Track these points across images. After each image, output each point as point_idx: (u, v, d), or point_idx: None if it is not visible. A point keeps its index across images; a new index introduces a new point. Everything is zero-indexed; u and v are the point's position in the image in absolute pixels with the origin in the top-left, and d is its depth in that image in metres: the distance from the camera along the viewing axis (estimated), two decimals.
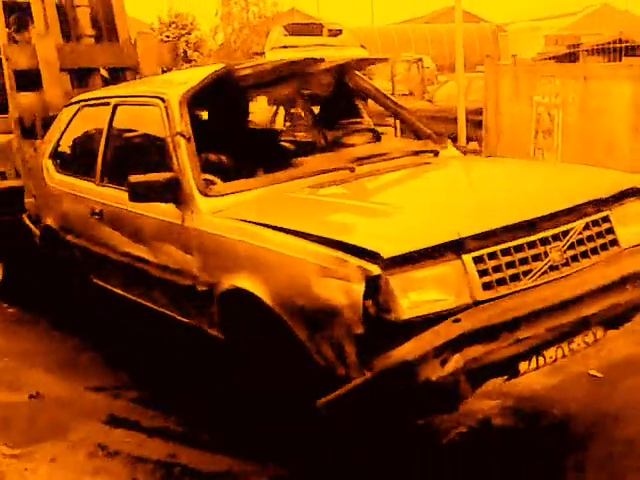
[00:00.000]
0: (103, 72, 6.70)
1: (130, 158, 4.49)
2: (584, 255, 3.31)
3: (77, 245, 4.97)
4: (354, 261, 2.96)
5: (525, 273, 3.15)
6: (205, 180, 3.90)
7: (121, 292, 4.56)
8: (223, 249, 3.58)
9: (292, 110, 6.31)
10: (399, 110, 4.71)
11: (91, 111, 5.06)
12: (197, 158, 3.90)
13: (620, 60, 8.91)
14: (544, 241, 3.21)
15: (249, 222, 3.48)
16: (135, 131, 4.59)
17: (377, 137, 4.58)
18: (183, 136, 3.92)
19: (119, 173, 4.39)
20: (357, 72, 4.70)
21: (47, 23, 6.43)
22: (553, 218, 3.27)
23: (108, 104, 4.77)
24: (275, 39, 15.95)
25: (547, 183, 3.66)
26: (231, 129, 4.94)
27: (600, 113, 7.87)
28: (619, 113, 7.58)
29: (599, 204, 3.43)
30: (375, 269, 2.91)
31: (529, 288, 3.13)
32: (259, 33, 21.76)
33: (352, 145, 4.59)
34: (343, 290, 2.97)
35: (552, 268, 3.21)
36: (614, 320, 3.30)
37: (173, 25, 27.74)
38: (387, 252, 2.93)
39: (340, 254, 3.01)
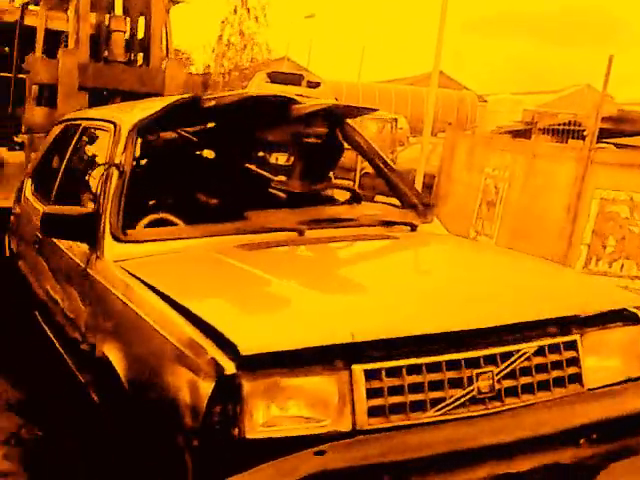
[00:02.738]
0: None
1: (78, 185, 4.02)
2: (527, 389, 2.55)
3: (22, 273, 4.53)
4: (212, 351, 2.32)
5: (435, 402, 2.42)
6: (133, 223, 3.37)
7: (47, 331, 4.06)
8: (106, 305, 3.01)
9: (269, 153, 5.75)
10: (388, 172, 4.02)
11: (70, 131, 4.65)
12: (124, 196, 3.36)
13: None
14: (471, 363, 2.47)
15: (139, 279, 2.89)
16: (90, 156, 4.13)
17: (356, 198, 3.92)
18: (117, 168, 3.40)
19: (68, 199, 3.92)
20: (349, 122, 4.08)
21: (78, 43, 6.17)
22: (492, 334, 2.53)
23: (79, 125, 4.35)
24: (257, 84, 16.07)
25: (511, 285, 2.89)
26: (200, 165, 4.41)
27: (541, 190, 8.00)
28: (557, 192, 7.70)
29: (569, 324, 2.67)
30: (230, 367, 2.26)
31: (436, 423, 2.40)
32: (247, 77, 21.66)
33: (323, 203, 3.96)
34: (190, 385, 2.33)
35: (475, 401, 2.46)
36: None
37: None
38: (246, 347, 2.27)
39: (200, 339, 2.38)
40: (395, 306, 2.58)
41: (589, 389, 2.66)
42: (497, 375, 2.49)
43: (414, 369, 2.41)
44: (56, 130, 4.92)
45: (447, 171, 10.03)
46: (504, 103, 23.53)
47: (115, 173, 3.40)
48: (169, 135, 4.57)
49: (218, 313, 2.52)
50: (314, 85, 16.31)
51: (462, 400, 2.44)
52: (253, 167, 4.98)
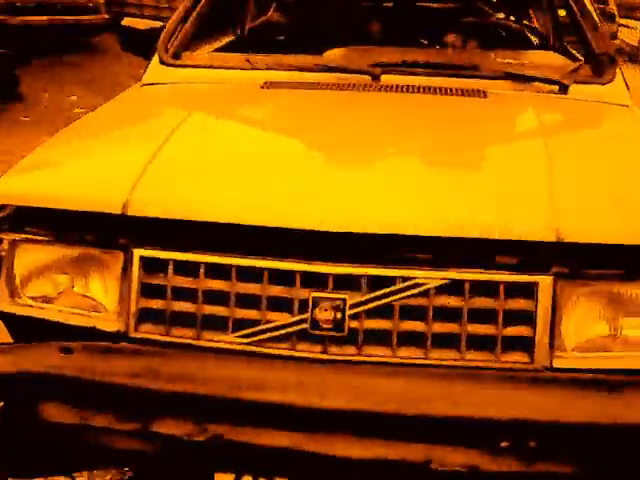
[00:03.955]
0: None
1: None
2: (413, 341, 1.58)
3: None
4: None
5: (242, 324, 1.63)
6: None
7: None
8: None
9: None
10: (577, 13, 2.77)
11: None
12: (199, 14, 2.85)
13: None
14: (312, 280, 1.60)
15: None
16: None
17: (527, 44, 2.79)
18: None
19: None
20: None
21: None
22: (365, 245, 1.59)
23: None
24: None
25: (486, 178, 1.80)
26: None
27: None
28: None
29: (533, 257, 1.58)
30: None
31: (236, 352, 1.62)
32: None
33: (459, 46, 2.92)
34: None
35: (308, 337, 1.60)
36: None
37: None
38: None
39: None
40: (274, 182, 1.74)
41: (547, 368, 1.57)
42: (354, 307, 1.58)
43: (218, 271, 1.64)
44: None
45: None
46: None
47: None
48: None
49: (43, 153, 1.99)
50: None
51: (284, 331, 1.61)
52: None
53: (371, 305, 1.58)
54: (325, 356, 1.60)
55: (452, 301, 1.58)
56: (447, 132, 2.11)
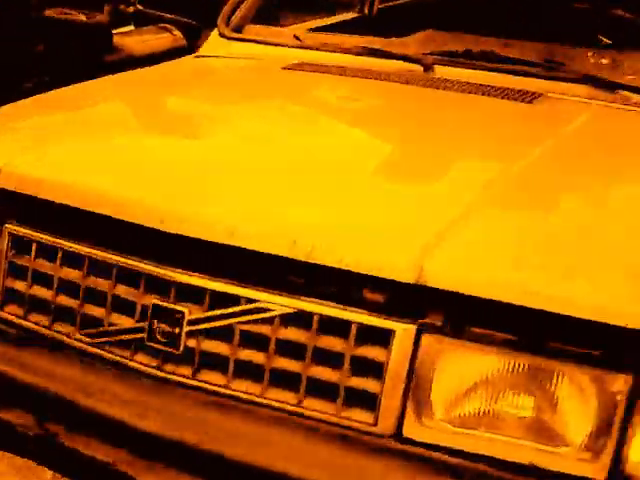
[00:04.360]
0: None
1: None
2: (242, 371, 1.34)
3: None
4: None
5: (90, 322, 1.46)
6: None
7: None
8: None
9: None
10: None
11: None
12: None
13: None
14: (154, 284, 1.40)
15: None
16: None
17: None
18: None
19: None
20: None
21: None
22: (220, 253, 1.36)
23: None
24: None
25: None
26: None
27: None
28: None
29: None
30: None
31: (81, 353, 1.47)
32: None
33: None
34: None
35: (146, 349, 1.41)
36: None
37: None
38: None
39: None
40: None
41: (393, 436, 1.27)
42: (193, 324, 1.37)
43: (74, 260, 1.49)
44: None
45: None
46: None
47: None
48: None
49: None
50: None
51: (124, 337, 1.43)
52: None
53: (210, 324, 1.37)
54: (160, 373, 1.40)
55: (297, 335, 1.32)
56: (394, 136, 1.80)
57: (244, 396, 1.35)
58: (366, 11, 3.28)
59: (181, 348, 1.38)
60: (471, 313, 1.24)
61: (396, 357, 1.25)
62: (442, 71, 2.15)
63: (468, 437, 1.25)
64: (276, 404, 1.33)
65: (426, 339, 1.25)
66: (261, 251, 1.31)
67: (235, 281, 1.35)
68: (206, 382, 1.37)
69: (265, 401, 1.33)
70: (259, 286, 1.34)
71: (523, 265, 1.25)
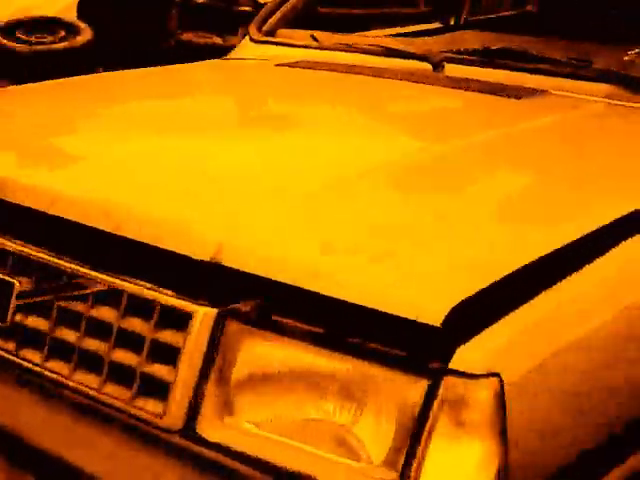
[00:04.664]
0: None
1: None
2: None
3: None
4: None
5: None
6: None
7: None
8: None
9: None
10: None
11: None
12: None
13: None
14: None
15: None
16: None
17: None
18: None
19: None
20: None
21: None
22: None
23: None
24: None
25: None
26: None
27: None
28: None
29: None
30: None
31: None
32: None
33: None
34: None
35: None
36: None
37: None
38: None
39: None
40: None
41: (182, 431, 1.13)
42: (22, 297, 1.29)
43: None
44: None
45: None
46: None
47: None
48: None
49: None
50: None
51: None
52: None
53: (36, 299, 1.29)
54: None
55: (106, 314, 1.22)
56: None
57: (55, 377, 1.26)
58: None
59: (8, 321, 1.31)
60: (278, 301, 1.11)
61: (191, 344, 1.13)
62: (452, 69, 2.04)
63: (267, 443, 1.10)
64: (81, 387, 1.23)
65: (229, 327, 1.13)
66: (78, 222, 1.24)
67: (63, 254, 1.28)
68: (25, 359, 1.30)
69: (72, 384, 1.24)
70: (83, 262, 1.26)
71: (331, 249, 1.11)
